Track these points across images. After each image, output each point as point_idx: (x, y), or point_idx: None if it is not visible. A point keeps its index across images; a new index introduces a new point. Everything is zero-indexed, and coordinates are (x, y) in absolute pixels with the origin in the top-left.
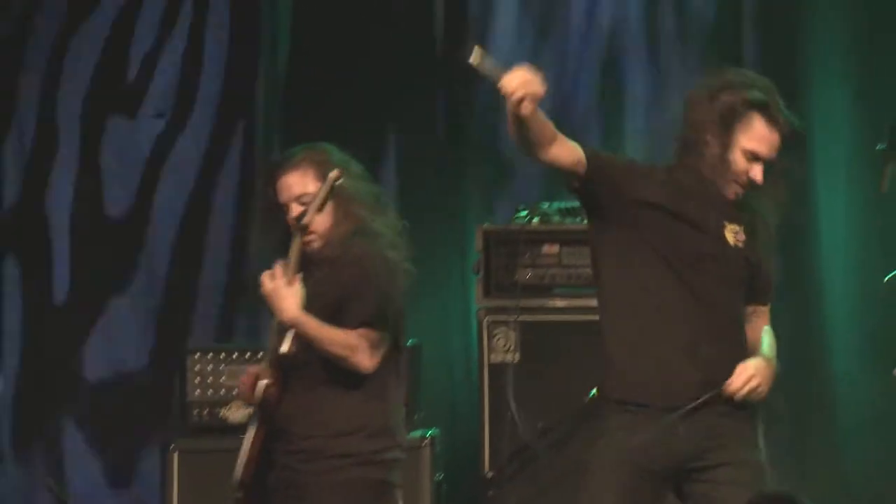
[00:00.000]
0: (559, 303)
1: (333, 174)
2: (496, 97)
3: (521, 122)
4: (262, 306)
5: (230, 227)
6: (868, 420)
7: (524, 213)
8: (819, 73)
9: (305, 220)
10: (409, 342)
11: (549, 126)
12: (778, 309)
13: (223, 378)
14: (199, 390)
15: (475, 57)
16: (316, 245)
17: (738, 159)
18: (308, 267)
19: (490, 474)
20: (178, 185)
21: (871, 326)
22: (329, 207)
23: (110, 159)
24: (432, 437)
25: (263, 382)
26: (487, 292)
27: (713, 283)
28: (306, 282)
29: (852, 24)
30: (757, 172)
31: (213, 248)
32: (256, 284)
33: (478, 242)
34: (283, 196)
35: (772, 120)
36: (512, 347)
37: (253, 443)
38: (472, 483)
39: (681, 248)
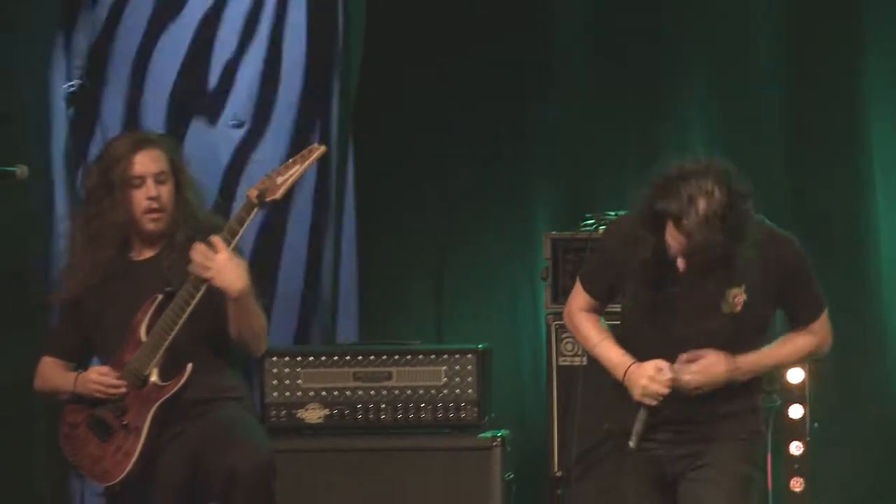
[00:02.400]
0: None
1: (322, 149)
2: (566, 111)
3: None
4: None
5: (306, 232)
6: None
7: (590, 221)
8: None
9: (277, 195)
10: (481, 346)
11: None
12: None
13: (300, 381)
14: (276, 392)
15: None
16: (163, 223)
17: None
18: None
19: (558, 473)
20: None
21: None
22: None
23: (192, 166)
24: (503, 438)
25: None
26: (555, 298)
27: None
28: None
29: None
30: (680, 263)
31: (290, 253)
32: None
33: (546, 250)
34: (141, 170)
35: (679, 228)
36: (579, 351)
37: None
38: (541, 482)
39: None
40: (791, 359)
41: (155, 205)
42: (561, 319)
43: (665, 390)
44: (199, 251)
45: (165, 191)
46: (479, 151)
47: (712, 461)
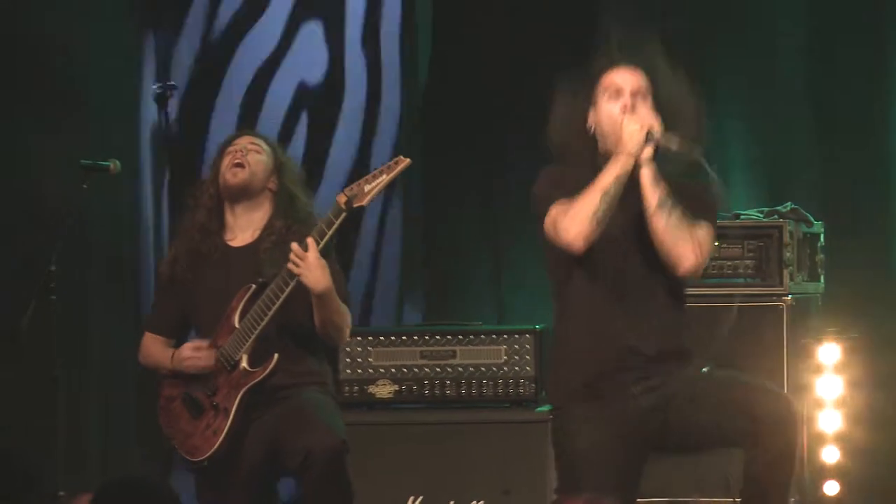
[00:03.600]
0: None
1: (406, 161)
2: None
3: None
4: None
5: (375, 226)
6: None
7: None
8: None
9: (364, 202)
10: (538, 327)
11: None
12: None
13: (371, 359)
14: (349, 370)
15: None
16: (239, 177)
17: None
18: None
19: None
20: (332, 187)
21: None
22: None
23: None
24: None
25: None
26: None
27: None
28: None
29: None
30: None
31: (362, 245)
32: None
33: None
34: (238, 144)
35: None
36: None
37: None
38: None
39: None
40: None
41: (238, 160)
42: None
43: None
44: (294, 249)
45: (254, 158)
46: (538, 144)
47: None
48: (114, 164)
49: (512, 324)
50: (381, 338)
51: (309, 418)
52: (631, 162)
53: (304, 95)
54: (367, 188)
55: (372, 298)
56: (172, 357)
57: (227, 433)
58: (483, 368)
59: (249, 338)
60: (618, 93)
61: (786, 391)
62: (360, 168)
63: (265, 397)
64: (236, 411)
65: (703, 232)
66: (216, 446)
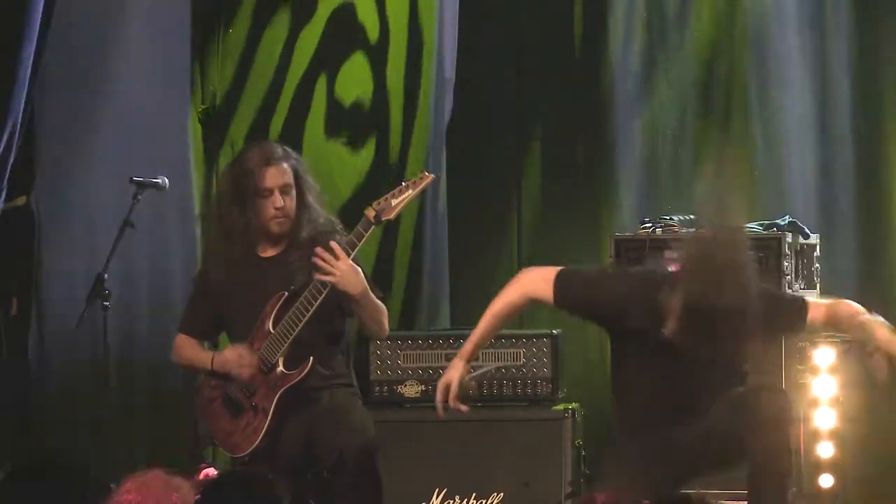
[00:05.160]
0: None
1: (431, 177)
2: (626, 123)
3: None
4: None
5: (410, 237)
6: None
7: (649, 223)
8: None
9: (391, 216)
10: (555, 332)
11: None
12: None
13: (399, 360)
14: (379, 371)
15: None
16: (287, 226)
17: None
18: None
19: None
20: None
21: None
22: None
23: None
24: (573, 410)
25: None
26: None
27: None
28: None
29: None
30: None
31: (385, 250)
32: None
33: (610, 248)
34: (270, 183)
35: None
36: None
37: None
38: (606, 446)
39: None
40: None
41: (280, 214)
42: None
43: None
44: (322, 256)
45: (290, 200)
46: (557, 164)
47: None
48: (162, 181)
49: (530, 328)
50: (410, 341)
51: (342, 419)
52: None
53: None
54: (394, 202)
55: (409, 304)
56: (213, 360)
57: (265, 431)
58: (504, 370)
59: (286, 342)
60: None
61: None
62: None
63: (300, 396)
64: (274, 411)
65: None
66: (256, 443)
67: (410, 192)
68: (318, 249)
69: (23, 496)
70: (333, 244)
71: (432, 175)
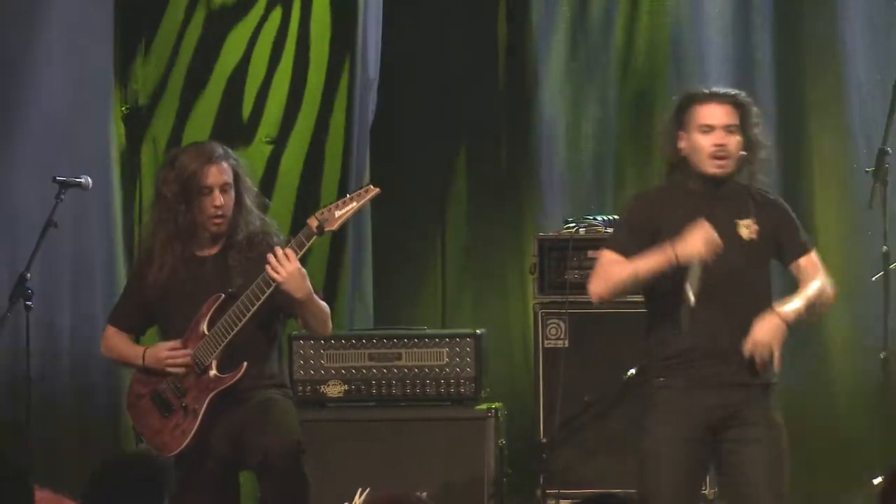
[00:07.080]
0: None
1: (375, 190)
2: (550, 124)
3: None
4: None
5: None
6: None
7: (572, 223)
8: None
9: (334, 227)
10: (478, 331)
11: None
12: None
13: (322, 360)
14: (302, 371)
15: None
16: (225, 226)
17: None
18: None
19: (544, 440)
20: (284, 200)
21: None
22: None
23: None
24: (496, 410)
25: None
26: (542, 290)
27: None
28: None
29: None
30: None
31: (315, 253)
32: None
33: (534, 248)
34: (211, 181)
35: (708, 98)
36: (562, 335)
37: None
38: (529, 447)
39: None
40: (814, 298)
41: (220, 212)
42: (547, 307)
43: (719, 241)
44: (272, 259)
45: (228, 199)
46: (477, 163)
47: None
48: (86, 180)
49: (453, 329)
50: (333, 341)
51: (269, 419)
52: (674, 262)
53: None
54: (337, 213)
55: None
56: (144, 354)
57: (194, 433)
58: (427, 369)
59: (220, 344)
60: (709, 128)
61: None
62: None
63: (231, 398)
64: (204, 413)
65: (813, 265)
66: (184, 445)
67: (354, 204)
68: (270, 256)
69: None
70: (287, 250)
71: (377, 189)
